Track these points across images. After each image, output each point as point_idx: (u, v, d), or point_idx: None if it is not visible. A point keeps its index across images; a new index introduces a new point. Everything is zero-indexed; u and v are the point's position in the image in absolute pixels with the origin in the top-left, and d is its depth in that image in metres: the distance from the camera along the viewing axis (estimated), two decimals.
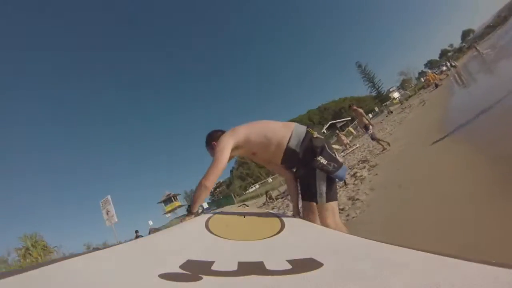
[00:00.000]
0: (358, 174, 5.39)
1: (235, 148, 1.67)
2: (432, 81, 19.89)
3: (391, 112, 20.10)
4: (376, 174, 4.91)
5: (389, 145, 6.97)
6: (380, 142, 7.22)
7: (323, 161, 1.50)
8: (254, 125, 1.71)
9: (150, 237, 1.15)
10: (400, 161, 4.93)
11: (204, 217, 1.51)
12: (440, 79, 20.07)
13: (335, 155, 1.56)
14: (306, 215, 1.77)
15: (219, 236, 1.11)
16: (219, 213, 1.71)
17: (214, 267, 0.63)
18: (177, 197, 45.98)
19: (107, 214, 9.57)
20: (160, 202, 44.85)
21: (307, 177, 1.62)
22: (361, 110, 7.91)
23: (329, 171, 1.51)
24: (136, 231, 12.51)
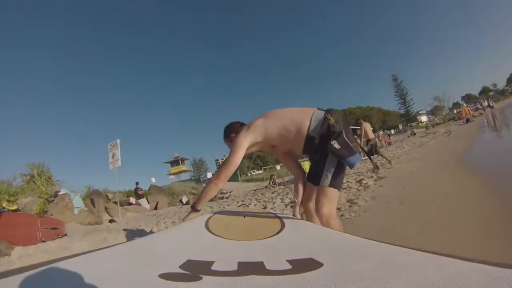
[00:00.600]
0: (364, 182, 5.39)
1: (253, 145, 1.64)
2: (464, 115, 19.16)
3: (414, 134, 19.64)
4: (381, 185, 4.89)
5: (390, 163, 6.92)
6: (382, 156, 7.19)
7: (336, 145, 1.48)
8: (271, 117, 1.65)
9: (150, 237, 1.15)
10: (409, 180, 4.88)
11: (204, 217, 1.51)
12: (473, 116, 19.40)
13: (352, 143, 1.53)
14: (306, 197, 1.77)
15: (219, 236, 1.11)
16: (219, 213, 1.71)
17: (214, 267, 0.63)
18: (185, 161, 46.00)
19: (113, 157, 9.64)
20: (167, 162, 44.84)
21: (319, 160, 1.61)
22: (366, 124, 7.99)
23: (341, 155, 1.48)
24: (137, 183, 12.45)
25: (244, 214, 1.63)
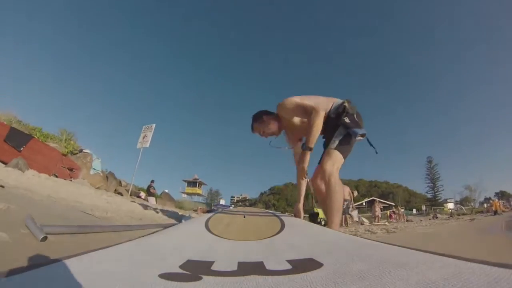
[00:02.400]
0: (374, 230, 5.39)
1: (305, 113, 1.90)
2: (494, 208, 18.51)
3: (437, 217, 18.95)
4: (389, 234, 4.91)
5: (386, 225, 7.14)
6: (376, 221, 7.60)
7: (347, 120, 1.79)
8: (314, 98, 1.95)
9: (150, 237, 1.15)
10: (418, 238, 4.87)
11: (204, 217, 1.51)
12: (503, 211, 18.84)
13: (360, 123, 1.84)
14: (315, 176, 1.96)
15: (219, 236, 1.11)
16: (219, 213, 1.71)
17: (214, 267, 0.63)
18: (202, 186, 45.56)
19: (143, 138, 10.02)
20: (185, 181, 44.57)
21: (330, 131, 1.86)
22: (344, 187, 8.80)
23: (348, 126, 1.77)
24: (152, 181, 12.67)
25: (244, 214, 1.63)
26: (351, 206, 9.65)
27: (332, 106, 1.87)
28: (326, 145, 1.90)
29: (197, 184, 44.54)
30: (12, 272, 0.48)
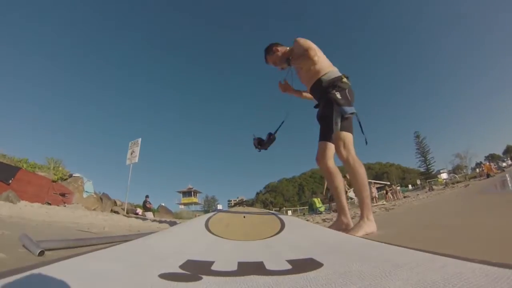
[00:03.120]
0: (373, 210, 5.29)
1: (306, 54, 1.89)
2: (486, 171, 18.86)
3: (433, 189, 19.02)
4: (388, 211, 4.92)
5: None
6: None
7: (338, 95, 1.75)
8: (322, 54, 1.96)
9: (150, 237, 1.15)
10: (418, 209, 4.76)
11: (204, 217, 1.51)
12: (495, 173, 18.91)
13: (351, 100, 1.81)
14: (320, 155, 1.95)
15: (219, 236, 1.11)
16: (219, 213, 1.71)
17: (214, 267, 0.63)
18: (197, 194, 44.96)
19: (131, 154, 10.09)
20: (180, 192, 43.90)
21: (326, 113, 1.84)
22: (373, 186, 8.66)
23: (338, 102, 1.74)
24: (147, 196, 12.39)
25: (244, 214, 1.63)
26: (347, 188, 9.58)
27: (328, 72, 1.87)
28: (324, 125, 1.96)
29: (192, 193, 43.97)
30: (12, 272, 0.48)
